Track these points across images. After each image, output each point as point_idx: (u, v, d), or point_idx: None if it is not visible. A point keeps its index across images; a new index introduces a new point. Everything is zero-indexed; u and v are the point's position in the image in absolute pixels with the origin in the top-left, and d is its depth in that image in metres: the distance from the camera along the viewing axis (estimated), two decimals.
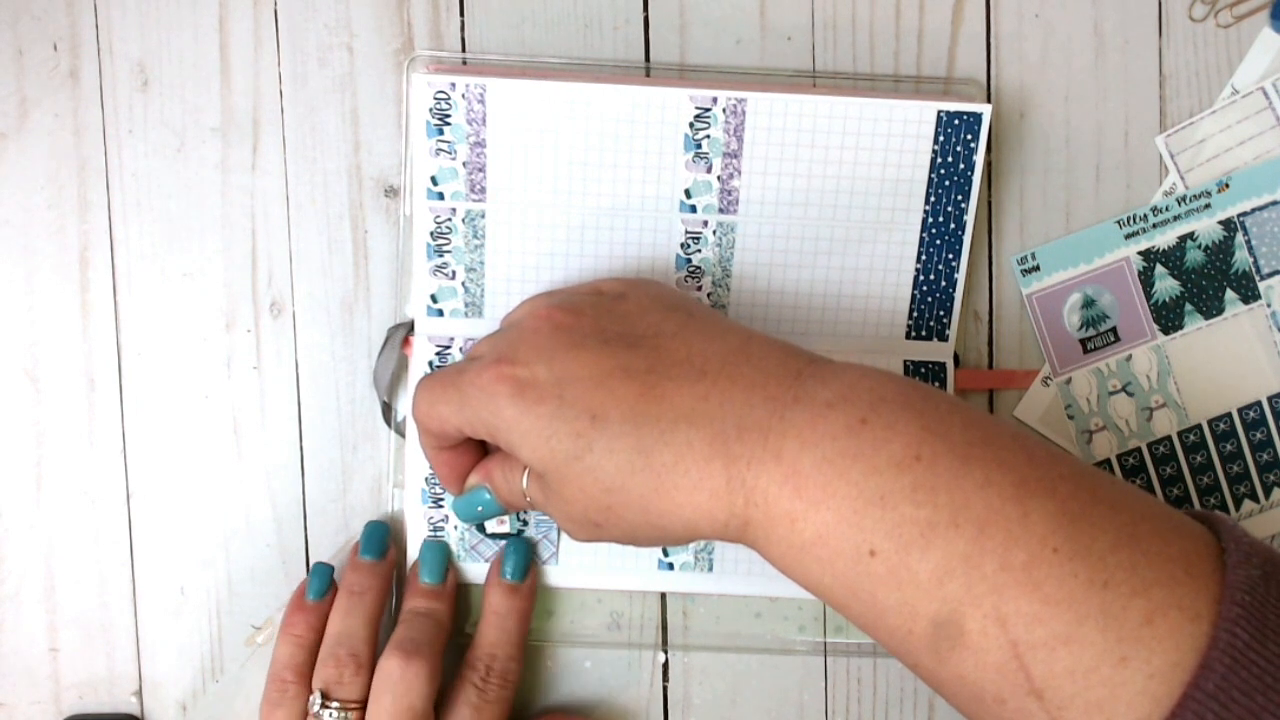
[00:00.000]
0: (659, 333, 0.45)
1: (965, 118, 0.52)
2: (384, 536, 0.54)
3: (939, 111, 0.52)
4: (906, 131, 0.52)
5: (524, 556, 0.54)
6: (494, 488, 0.50)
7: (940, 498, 0.40)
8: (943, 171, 0.53)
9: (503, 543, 0.55)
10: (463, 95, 0.52)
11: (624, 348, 0.44)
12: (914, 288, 0.54)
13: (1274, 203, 0.55)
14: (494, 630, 0.53)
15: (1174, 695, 0.38)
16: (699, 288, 0.54)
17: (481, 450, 0.52)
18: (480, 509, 0.51)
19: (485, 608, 0.53)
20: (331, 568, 0.54)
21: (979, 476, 0.40)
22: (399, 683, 0.49)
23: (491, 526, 0.55)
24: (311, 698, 0.50)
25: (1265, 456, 0.56)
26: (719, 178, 0.53)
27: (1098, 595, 0.39)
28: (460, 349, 0.54)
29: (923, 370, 0.55)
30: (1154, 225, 0.55)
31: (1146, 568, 0.39)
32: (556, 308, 0.46)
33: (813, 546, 0.41)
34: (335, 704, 0.50)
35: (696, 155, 0.53)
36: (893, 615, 0.41)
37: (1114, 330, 0.56)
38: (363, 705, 0.50)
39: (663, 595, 0.56)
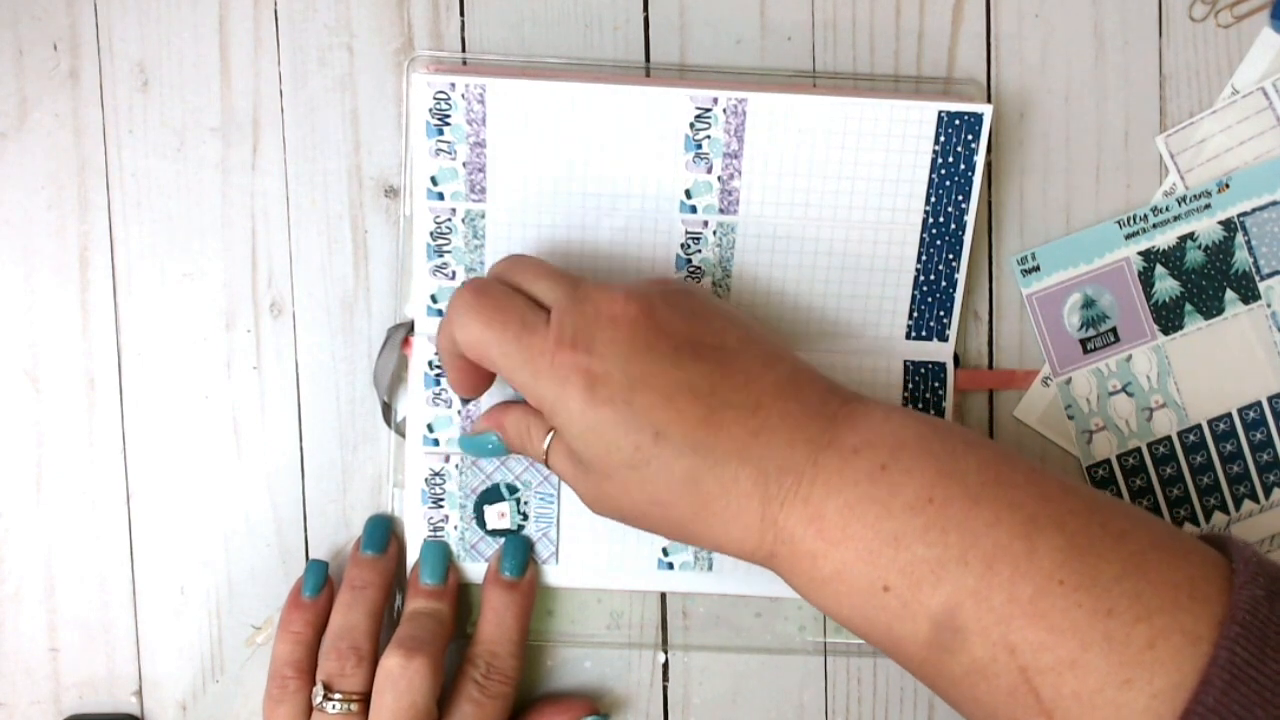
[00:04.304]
0: (722, 345, 0.47)
1: (966, 118, 0.52)
2: (385, 531, 0.54)
3: (940, 112, 0.52)
4: (907, 132, 0.52)
5: (522, 553, 0.54)
6: (505, 436, 0.52)
7: (950, 537, 0.43)
8: (943, 172, 0.53)
9: (502, 540, 0.55)
10: (462, 95, 0.52)
11: (691, 359, 0.46)
12: (914, 288, 0.54)
13: (1274, 203, 0.55)
14: (493, 627, 0.53)
15: (1176, 713, 0.40)
16: None
17: None
18: (489, 447, 0.53)
19: (484, 605, 0.53)
20: (326, 564, 0.54)
21: (989, 515, 0.43)
22: (400, 680, 0.49)
23: (492, 522, 0.55)
24: (314, 689, 0.51)
25: (1265, 456, 0.56)
26: (719, 178, 0.53)
27: (1101, 623, 0.41)
28: None
29: (923, 370, 0.55)
30: (1154, 225, 0.55)
31: (1151, 595, 0.41)
32: (633, 300, 0.46)
33: (832, 581, 0.44)
34: (338, 695, 0.50)
35: (697, 155, 0.53)
36: (908, 644, 0.44)
37: (1114, 330, 0.56)
38: (365, 697, 0.50)
39: (663, 595, 0.56)
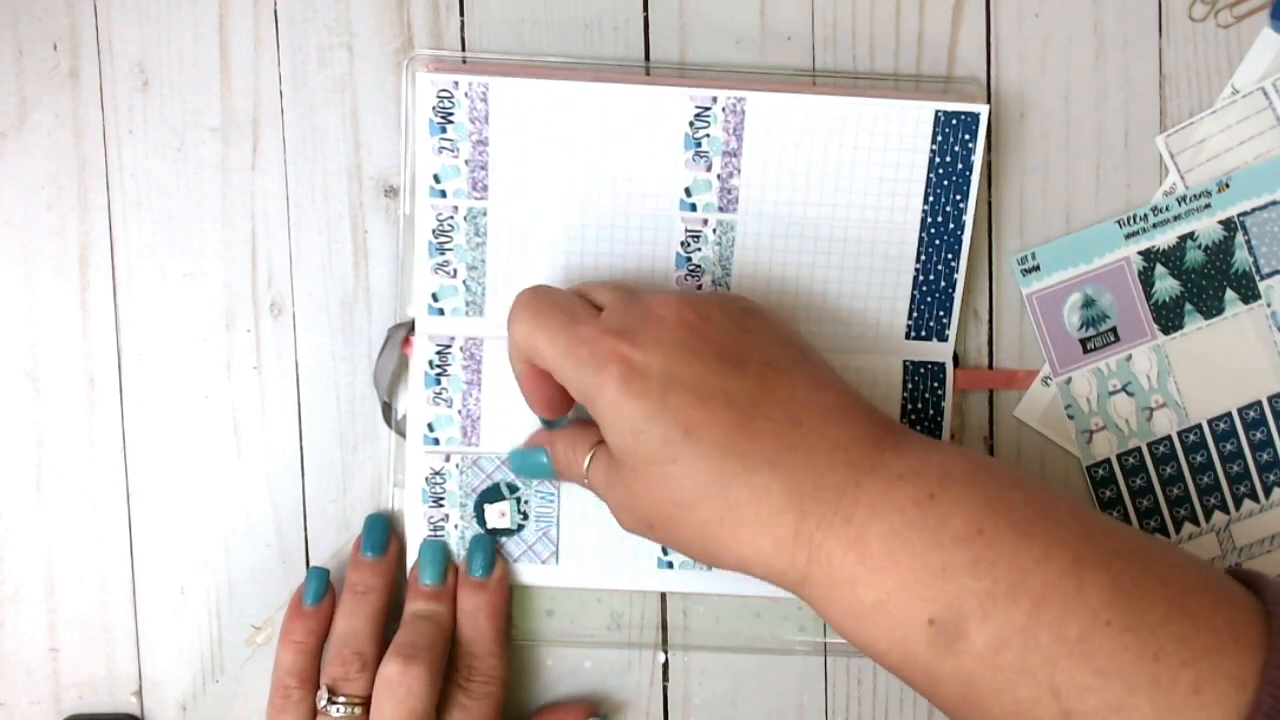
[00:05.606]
0: (770, 363, 0.46)
1: (963, 118, 0.53)
2: (384, 531, 0.54)
3: (936, 111, 0.52)
4: (904, 131, 0.52)
5: (487, 552, 0.54)
6: (553, 455, 0.52)
7: (999, 571, 0.42)
8: (941, 171, 0.53)
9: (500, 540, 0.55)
10: (465, 94, 0.52)
11: (735, 370, 0.45)
12: (914, 288, 0.54)
13: (1274, 203, 0.55)
14: (468, 630, 0.53)
15: None
16: (699, 286, 0.54)
17: None
18: (539, 466, 0.53)
19: (458, 608, 0.53)
20: (327, 571, 0.54)
21: (1037, 551, 0.42)
22: (399, 688, 0.49)
23: (492, 521, 0.55)
24: (319, 693, 0.51)
25: (1265, 456, 0.56)
26: (719, 176, 0.53)
27: (1148, 667, 0.40)
28: (461, 348, 0.54)
29: (922, 370, 0.55)
30: (1154, 225, 0.55)
31: (1196, 639, 0.41)
32: (687, 305, 0.47)
33: (872, 612, 0.43)
34: (342, 699, 0.50)
35: (696, 154, 0.53)
36: (948, 684, 0.42)
37: (1114, 330, 0.56)
38: (368, 701, 0.51)
39: (663, 595, 0.56)
